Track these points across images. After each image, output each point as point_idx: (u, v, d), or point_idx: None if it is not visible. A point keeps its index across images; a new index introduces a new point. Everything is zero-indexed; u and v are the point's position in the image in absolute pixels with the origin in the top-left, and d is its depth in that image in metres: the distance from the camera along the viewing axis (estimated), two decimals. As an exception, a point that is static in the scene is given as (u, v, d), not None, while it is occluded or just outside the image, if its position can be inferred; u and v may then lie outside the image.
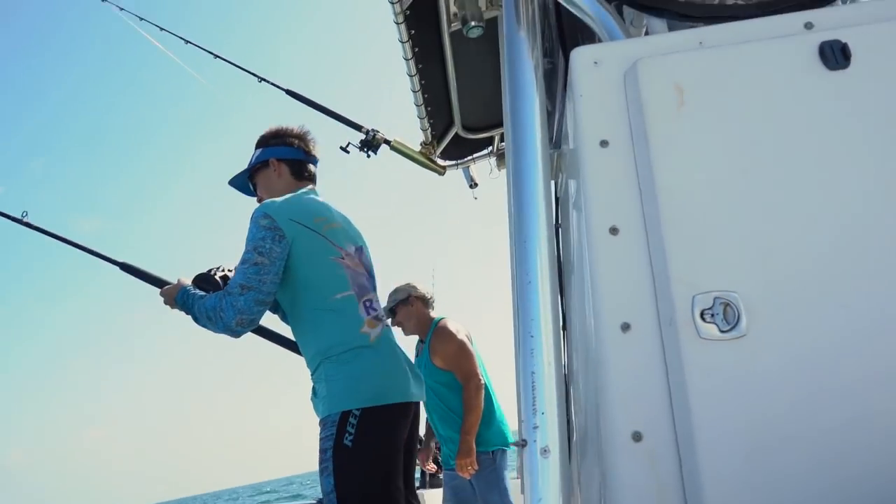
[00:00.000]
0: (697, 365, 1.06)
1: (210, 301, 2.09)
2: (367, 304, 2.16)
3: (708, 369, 1.06)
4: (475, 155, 3.36)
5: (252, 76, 3.49)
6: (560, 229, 1.63)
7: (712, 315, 1.07)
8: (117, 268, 2.49)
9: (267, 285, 2.03)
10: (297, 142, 2.40)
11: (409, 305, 3.73)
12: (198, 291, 2.17)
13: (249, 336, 2.25)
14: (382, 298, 2.49)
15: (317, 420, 2.07)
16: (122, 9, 3.83)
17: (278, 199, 2.20)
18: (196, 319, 2.12)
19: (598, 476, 1.16)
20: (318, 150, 2.46)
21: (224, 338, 2.12)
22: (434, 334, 3.65)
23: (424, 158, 3.18)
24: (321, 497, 2.05)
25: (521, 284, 1.20)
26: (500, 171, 3.37)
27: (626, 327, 1.13)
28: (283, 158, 2.36)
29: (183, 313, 2.18)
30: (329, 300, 2.09)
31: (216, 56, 3.60)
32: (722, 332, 1.06)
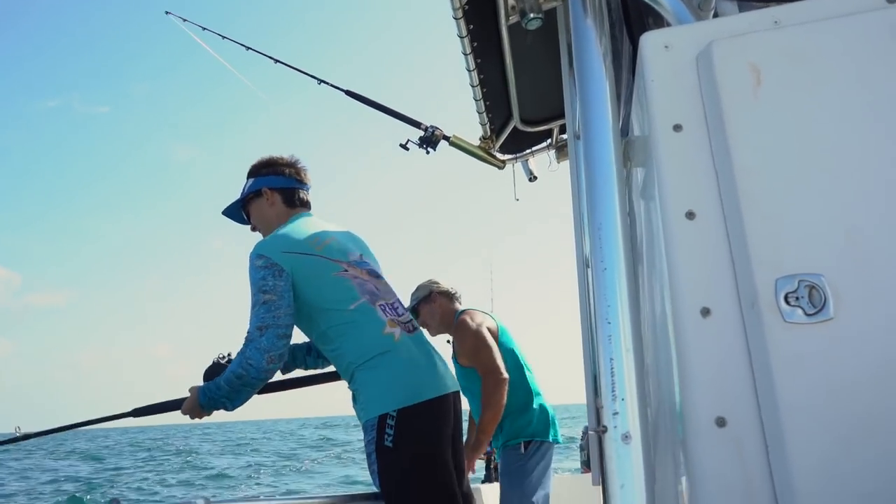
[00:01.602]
0: (782, 350, 1.04)
1: (233, 364, 2.10)
2: (383, 307, 2.19)
3: (793, 354, 1.04)
4: (534, 148, 3.35)
5: (311, 78, 3.55)
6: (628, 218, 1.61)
7: (797, 298, 1.05)
8: (130, 416, 2.49)
9: (282, 318, 2.07)
10: (288, 170, 2.45)
11: (432, 302, 3.54)
12: (215, 379, 2.17)
13: None
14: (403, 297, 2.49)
15: None
16: (185, 20, 3.94)
17: (267, 238, 2.25)
18: (229, 400, 2.12)
19: (677, 463, 1.15)
20: (308, 178, 2.51)
21: None
22: (454, 331, 3.44)
23: (484, 153, 3.19)
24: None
25: (598, 272, 1.20)
26: (559, 163, 3.35)
27: (705, 312, 1.11)
28: (274, 187, 2.41)
29: (216, 411, 2.18)
30: (345, 313, 2.13)
31: (276, 61, 3.67)
32: (808, 315, 1.04)
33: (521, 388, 3.32)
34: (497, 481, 4.27)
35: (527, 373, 3.37)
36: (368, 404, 2.07)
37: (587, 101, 1.43)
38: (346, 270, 2.19)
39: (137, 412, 2.46)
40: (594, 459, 2.02)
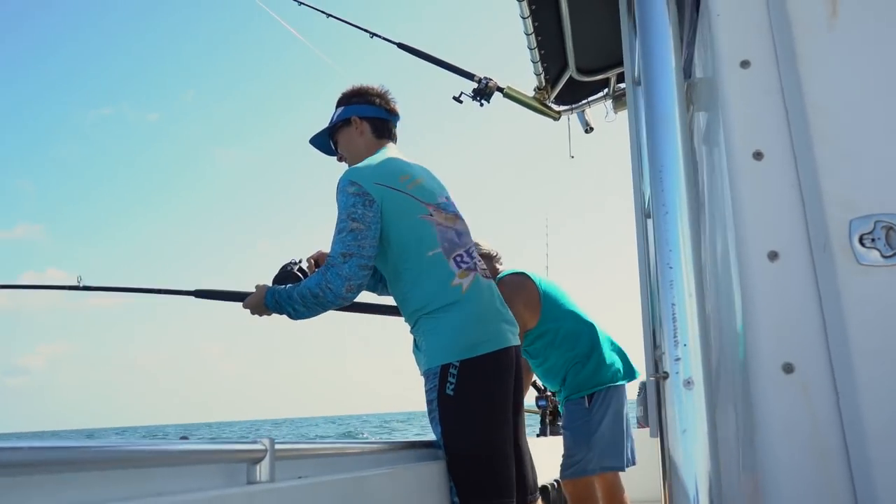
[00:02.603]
0: (856, 293, 1.00)
1: (313, 280, 2.12)
2: (458, 258, 2.16)
3: (867, 297, 0.99)
4: (591, 98, 3.26)
5: (364, 32, 3.53)
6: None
7: (872, 240, 1.00)
8: (192, 297, 2.56)
9: (367, 249, 2.07)
10: (378, 100, 2.41)
11: None
12: (287, 286, 2.19)
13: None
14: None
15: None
16: None
17: (361, 165, 2.22)
18: (295, 311, 2.15)
19: (739, 409, 1.13)
20: (398, 109, 2.46)
21: None
22: None
23: (538, 104, 3.12)
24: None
25: (659, 216, 1.16)
26: (616, 113, 3.26)
27: (773, 256, 1.08)
28: (364, 117, 2.37)
29: (280, 315, 2.21)
30: (420, 258, 2.12)
31: (328, 15, 3.66)
32: (884, 257, 0.99)
33: (583, 337, 3.21)
34: (552, 434, 4.29)
35: (585, 322, 3.27)
36: (431, 353, 2.09)
37: (648, 44, 1.38)
38: (432, 215, 2.17)
39: (200, 293, 2.51)
40: (652, 408, 2.01)
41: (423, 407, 2.13)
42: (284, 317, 2.21)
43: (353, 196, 2.10)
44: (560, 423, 3.66)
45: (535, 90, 3.10)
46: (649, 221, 2.21)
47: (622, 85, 3.23)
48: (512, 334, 2.20)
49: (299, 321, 2.21)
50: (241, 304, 2.31)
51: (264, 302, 2.21)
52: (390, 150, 2.34)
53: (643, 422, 5.49)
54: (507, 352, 2.13)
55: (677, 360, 1.08)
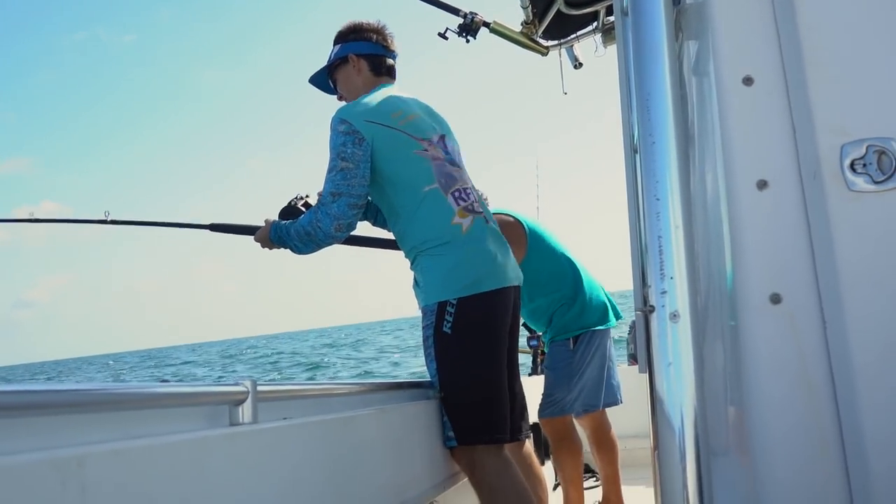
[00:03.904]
0: (846, 220, 0.97)
1: (304, 219, 2.16)
2: (456, 194, 2.13)
3: (858, 225, 0.97)
4: (579, 32, 3.17)
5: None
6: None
7: (864, 165, 0.97)
8: (207, 230, 2.58)
9: (356, 188, 2.07)
10: (375, 37, 2.35)
11: None
12: (288, 222, 2.24)
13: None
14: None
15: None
16: None
17: (352, 103, 2.19)
18: (294, 247, 2.21)
19: (726, 341, 1.11)
20: (395, 45, 2.40)
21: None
22: None
23: (526, 39, 3.03)
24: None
25: (646, 147, 1.13)
26: (605, 48, 3.17)
27: (762, 185, 1.05)
28: (361, 54, 2.32)
29: (282, 250, 2.26)
30: (417, 195, 2.10)
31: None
32: (876, 182, 0.96)
33: (568, 279, 3.19)
34: (542, 374, 4.32)
35: (572, 264, 3.25)
36: (429, 290, 2.08)
37: (635, -35, 1.31)
38: (426, 150, 2.14)
39: (215, 227, 2.55)
40: (640, 342, 2.01)
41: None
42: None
43: (342, 135, 2.08)
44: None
45: (522, 24, 3.01)
46: (637, 156, 2.19)
47: (612, 18, 3.14)
48: (513, 273, 2.18)
49: (305, 255, 2.25)
50: (251, 237, 2.36)
51: (270, 236, 2.25)
52: (388, 88, 2.29)
53: (633, 359, 5.55)
54: (506, 291, 2.11)
55: (663, 293, 1.06)
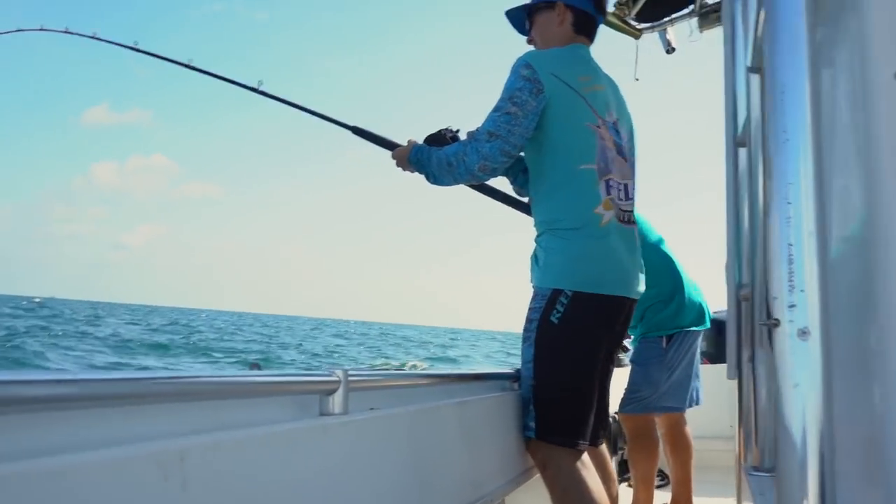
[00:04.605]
0: None
1: (452, 148, 2.06)
2: (608, 182, 2.00)
3: None
4: (675, 15, 3.03)
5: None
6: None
7: None
8: (350, 132, 2.49)
9: (515, 137, 1.95)
10: None
11: None
12: (432, 147, 2.16)
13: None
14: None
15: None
16: None
17: (544, 51, 2.07)
18: (431, 174, 2.12)
19: (859, 363, 1.02)
20: (606, 10, 2.23)
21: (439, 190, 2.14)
22: None
23: (618, 21, 2.91)
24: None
25: (778, 143, 1.03)
26: (701, 32, 3.02)
27: (914, 192, 0.94)
28: (572, 5, 2.13)
29: (416, 174, 2.19)
30: (573, 168, 1.97)
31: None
32: None
33: (667, 276, 3.08)
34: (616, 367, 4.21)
35: (671, 261, 3.14)
36: (547, 271, 1.97)
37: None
38: (599, 127, 2.00)
39: (358, 131, 2.49)
40: (731, 350, 1.90)
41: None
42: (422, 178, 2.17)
43: (522, 79, 1.96)
44: (626, 356, 3.59)
45: (615, 5, 2.89)
46: (742, 150, 2.06)
47: (709, 0, 2.98)
48: (638, 287, 2.06)
49: (438, 186, 2.15)
50: (390, 153, 2.29)
51: (409, 157, 2.18)
52: (584, 50, 2.14)
53: (707, 358, 5.34)
54: (622, 301, 2.01)
55: (792, 306, 0.97)
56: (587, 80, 2.02)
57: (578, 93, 1.98)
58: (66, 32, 3.13)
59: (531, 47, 2.22)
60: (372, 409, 1.28)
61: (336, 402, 1.14)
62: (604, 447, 2.37)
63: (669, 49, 3.12)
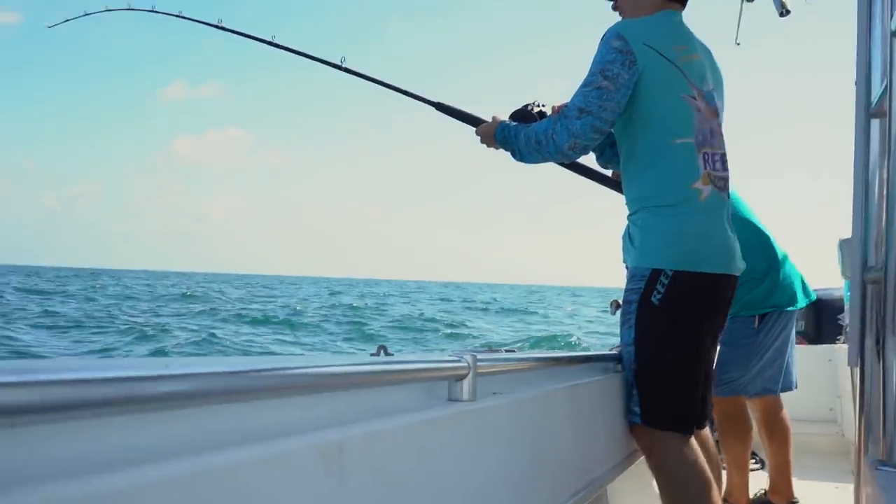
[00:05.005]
0: None
1: (541, 125, 1.97)
2: (707, 156, 1.91)
3: None
4: (791, -25, 2.82)
5: None
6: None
7: None
8: (433, 108, 2.41)
9: (607, 112, 1.86)
10: None
11: None
12: (518, 124, 2.08)
13: None
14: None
15: None
16: None
17: (636, 20, 1.96)
18: (518, 152, 2.04)
19: None
20: None
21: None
22: None
23: (729, -17, 2.74)
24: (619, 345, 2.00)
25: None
26: (820, -7, 2.81)
27: None
28: None
29: (501, 150, 2.12)
30: (668, 142, 1.89)
31: None
32: None
33: (762, 253, 2.90)
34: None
35: (765, 237, 2.97)
36: (645, 252, 1.89)
37: None
38: (695, 98, 1.91)
39: (441, 107, 2.41)
40: (854, 339, 1.79)
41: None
42: (509, 154, 2.10)
43: (614, 51, 1.86)
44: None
45: (726, -34, 2.71)
46: (875, 122, 1.91)
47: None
48: (737, 261, 1.97)
49: (524, 164, 2.08)
50: (474, 129, 2.23)
51: (494, 133, 2.11)
52: (676, 17, 2.03)
53: (805, 338, 5.13)
54: (727, 279, 1.93)
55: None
56: (683, 50, 1.91)
57: (674, 63, 1.88)
58: (153, 11, 3.13)
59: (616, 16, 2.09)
60: (494, 393, 1.25)
61: (465, 388, 1.11)
62: (707, 431, 2.29)
63: (783, 11, 2.90)
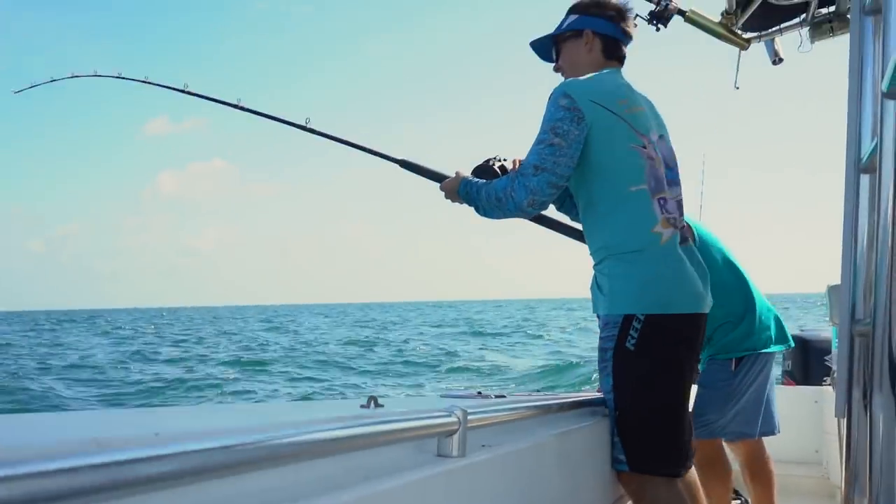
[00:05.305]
0: None
1: (500, 183, 2.04)
2: (662, 202, 1.96)
3: None
4: (784, 24, 2.88)
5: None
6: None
7: None
8: (397, 165, 2.46)
9: (561, 168, 1.92)
10: (617, 17, 2.15)
11: None
12: (480, 181, 2.13)
13: None
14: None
15: None
16: None
17: (581, 79, 2.03)
18: (480, 208, 2.10)
19: None
20: (634, 32, 2.18)
21: None
22: None
23: (724, 30, 2.78)
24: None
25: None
26: (812, 43, 2.86)
27: None
28: (599, 32, 2.12)
29: (465, 205, 2.16)
30: (623, 191, 1.94)
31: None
32: None
33: (738, 295, 2.90)
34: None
35: (742, 278, 2.97)
36: (615, 299, 1.93)
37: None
38: (645, 147, 1.97)
39: (405, 164, 2.44)
40: (842, 388, 1.79)
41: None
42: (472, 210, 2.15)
43: (563, 109, 1.94)
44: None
45: (722, 14, 2.76)
46: (864, 177, 1.93)
47: (823, 10, 2.82)
48: (706, 299, 2.01)
49: (485, 219, 2.14)
50: (438, 185, 2.27)
51: (458, 190, 2.16)
52: (615, 74, 2.13)
53: (790, 378, 5.14)
54: (697, 318, 1.96)
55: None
56: (626, 103, 1.99)
57: (620, 116, 1.95)
58: (119, 77, 3.16)
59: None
60: (484, 445, 1.25)
61: (455, 443, 1.11)
62: (693, 471, 2.28)
63: (776, 60, 2.96)
